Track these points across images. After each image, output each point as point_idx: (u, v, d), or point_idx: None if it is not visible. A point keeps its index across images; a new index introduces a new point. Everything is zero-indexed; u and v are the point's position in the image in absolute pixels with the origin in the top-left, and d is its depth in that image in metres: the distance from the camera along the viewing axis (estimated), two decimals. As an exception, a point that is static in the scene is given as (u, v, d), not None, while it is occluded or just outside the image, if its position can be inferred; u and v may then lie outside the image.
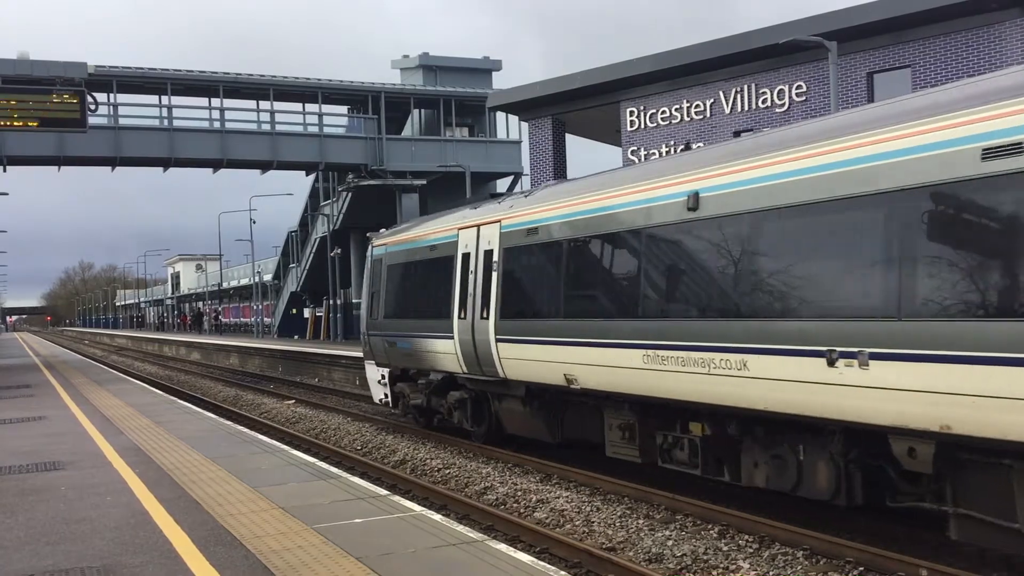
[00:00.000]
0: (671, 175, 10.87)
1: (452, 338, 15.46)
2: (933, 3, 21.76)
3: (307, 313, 58.68)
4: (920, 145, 7.85)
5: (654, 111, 28.95)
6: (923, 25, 22.40)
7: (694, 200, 10.30)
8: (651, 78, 28.52)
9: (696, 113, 27.89)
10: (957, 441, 7.58)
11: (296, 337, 56.60)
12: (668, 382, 10.62)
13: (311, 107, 43.42)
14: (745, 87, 26.57)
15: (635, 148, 29.35)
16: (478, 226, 15.08)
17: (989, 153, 7.26)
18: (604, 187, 12.16)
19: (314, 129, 43.35)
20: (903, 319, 7.84)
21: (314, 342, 49.25)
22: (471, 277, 15.05)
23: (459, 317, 15.23)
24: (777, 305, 9.26)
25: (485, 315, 14.42)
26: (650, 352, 10.81)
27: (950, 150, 7.59)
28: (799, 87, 25.35)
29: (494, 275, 14.31)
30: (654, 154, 28.14)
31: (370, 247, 20.19)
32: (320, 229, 53.28)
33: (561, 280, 12.69)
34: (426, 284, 17.04)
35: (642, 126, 29.32)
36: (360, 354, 21.91)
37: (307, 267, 56.93)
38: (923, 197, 7.77)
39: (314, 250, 54.94)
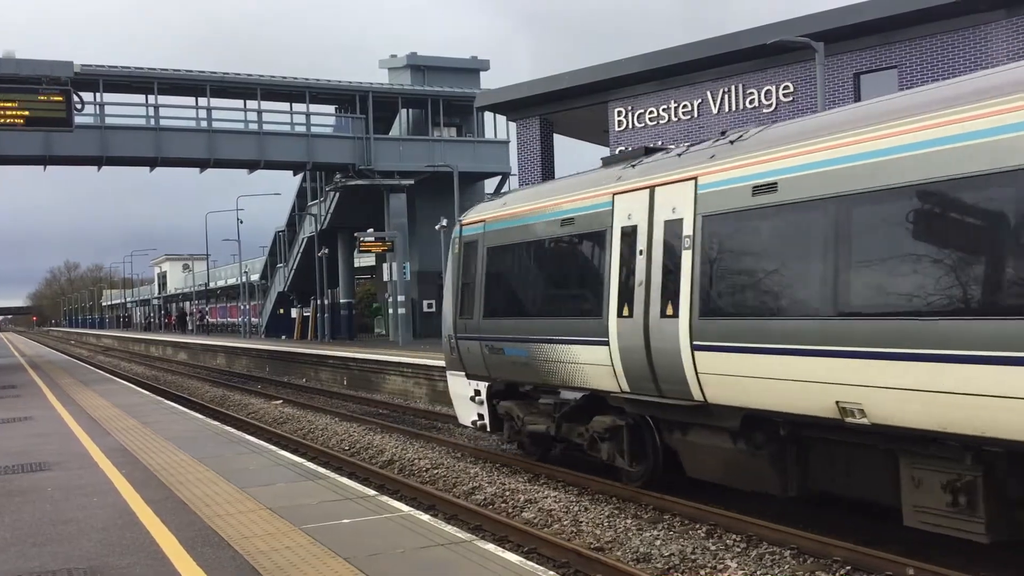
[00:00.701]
0: None
1: (606, 344, 11.46)
2: (920, 4, 21.86)
3: (294, 313, 58.52)
4: None
5: (642, 111, 28.99)
6: (910, 26, 22.50)
7: None
8: (639, 78, 28.56)
9: (684, 113, 27.95)
10: None
11: (283, 337, 56.44)
12: None
13: (299, 107, 43.33)
14: (733, 87, 26.64)
15: (623, 148, 29.38)
16: (651, 188, 10.98)
17: None
18: (931, 109, 8.02)
19: (301, 129, 43.26)
20: None
21: (301, 342, 49.11)
22: (640, 259, 11.01)
23: (619, 315, 11.27)
24: None
25: (670, 312, 10.40)
26: None
27: None
28: (786, 87, 25.43)
29: (686, 255, 10.26)
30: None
31: (457, 227, 15.79)
32: (307, 229, 53.18)
33: (836, 259, 8.53)
34: (555, 271, 13.30)
35: (630, 126, 29.36)
36: (350, 354, 21.77)
37: (294, 267, 56.79)
38: None
39: (301, 250, 54.81)
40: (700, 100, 27.48)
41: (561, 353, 12.50)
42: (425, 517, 9.08)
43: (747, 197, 9.59)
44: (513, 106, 33.69)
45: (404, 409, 23.79)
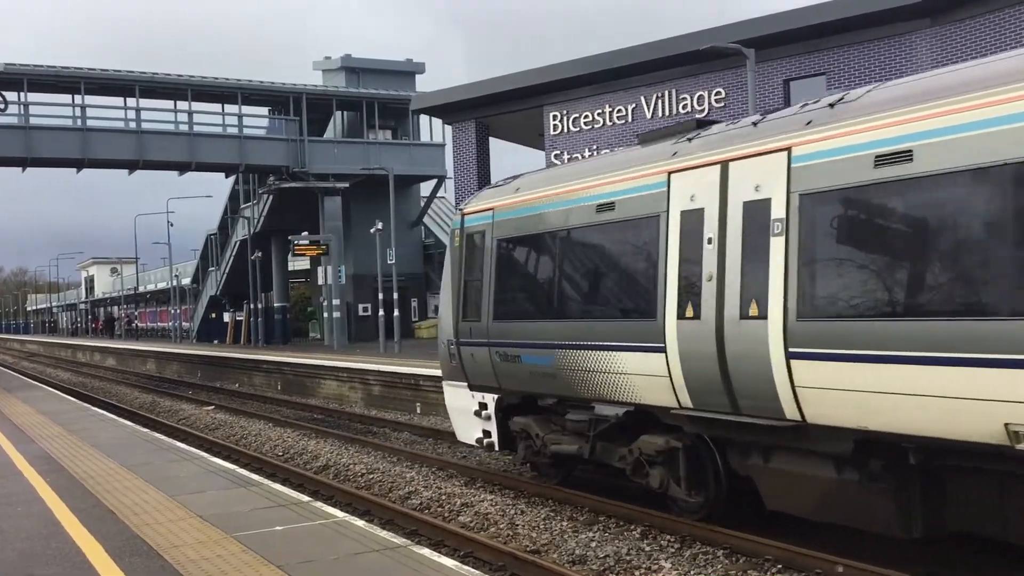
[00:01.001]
0: None
1: (661, 351, 9.73)
2: (847, 12, 22.38)
3: (227, 317, 57.62)
4: None
5: (577, 115, 29.16)
6: (838, 34, 23.00)
7: None
8: (574, 83, 28.72)
9: (618, 117, 28.18)
10: None
11: (216, 342, 55.52)
12: None
13: (230, 108, 42.69)
14: (666, 92, 26.94)
15: (558, 152, 29.52)
16: (723, 163, 9.18)
17: None
18: None
19: (234, 130, 42.61)
20: None
21: (235, 347, 48.35)
22: (708, 250, 9.24)
23: (680, 316, 9.53)
24: None
25: (754, 313, 8.69)
26: None
27: None
28: (718, 93, 25.79)
29: (777, 243, 8.49)
30: (577, 157, 28.31)
31: (457, 217, 13.84)
32: (240, 232, 52.41)
33: (1017, 240, 6.83)
34: (589, 265, 11.36)
35: (565, 130, 29.51)
36: (284, 359, 21.46)
37: (227, 270, 55.90)
38: None
39: (234, 253, 53.99)
40: (634, 105, 27.73)
41: (599, 361, 10.67)
42: (360, 523, 8.99)
43: (867, 169, 7.76)
44: (449, 109, 33.64)
45: (339, 414, 23.57)
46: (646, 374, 10.04)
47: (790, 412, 8.44)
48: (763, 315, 8.57)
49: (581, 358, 10.96)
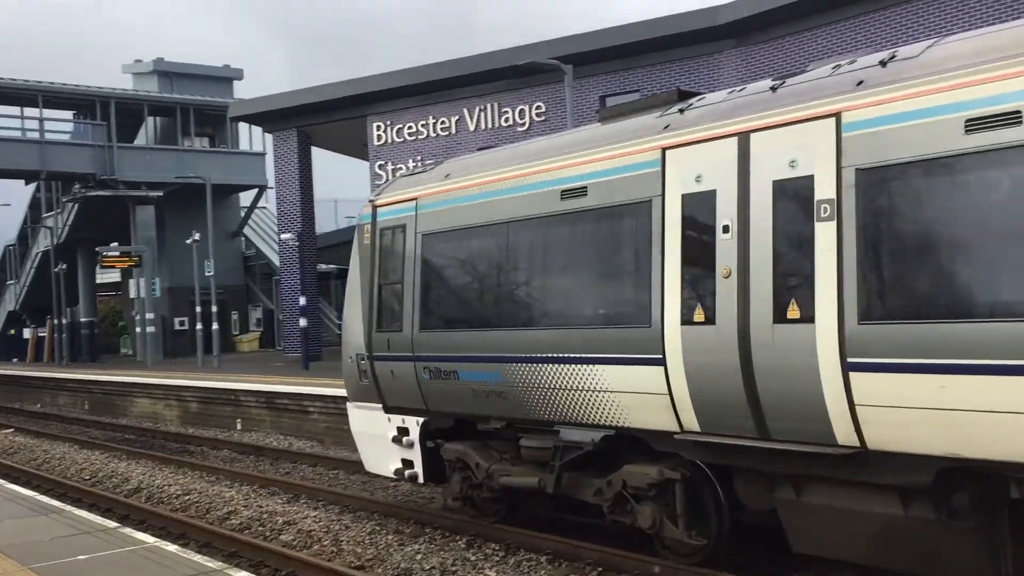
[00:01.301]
0: None
1: (658, 363, 8.15)
2: (656, 33, 23.41)
3: (27, 334, 53.98)
4: None
5: (401, 126, 29.08)
6: (649, 53, 23.98)
7: None
8: (398, 93, 28.64)
9: (442, 129, 28.29)
10: None
11: (15, 360, 51.90)
12: None
13: (30, 111, 40.17)
14: (488, 105, 27.27)
15: (382, 163, 29.35)
16: (742, 134, 7.66)
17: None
18: None
19: (35, 135, 40.11)
20: None
21: (36, 365, 45.41)
22: (724, 240, 7.70)
23: (685, 321, 7.98)
24: None
25: (795, 315, 7.20)
26: None
27: None
28: (538, 107, 26.33)
29: (825, 230, 7.00)
30: (401, 168, 28.22)
31: (367, 209, 11.87)
32: (42, 243, 49.27)
33: None
34: (554, 262, 9.38)
35: (389, 140, 29.37)
36: (92, 376, 20.29)
37: (27, 284, 52.42)
38: None
39: (35, 265, 50.70)
40: (457, 117, 27.92)
41: (567, 377, 8.97)
42: (172, 547, 8.60)
43: (955, 136, 6.36)
44: (269, 117, 32.83)
45: (154, 433, 22.53)
46: (635, 391, 8.39)
47: (844, 436, 6.92)
48: (807, 317, 7.06)
49: (542, 373, 9.21)
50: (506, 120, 26.93)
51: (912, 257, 6.67)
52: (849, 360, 6.79)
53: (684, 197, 8.04)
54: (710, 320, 7.74)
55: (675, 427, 8.14)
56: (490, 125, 27.21)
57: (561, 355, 9.02)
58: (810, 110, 7.21)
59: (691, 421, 8.00)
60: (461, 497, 10.81)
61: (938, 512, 6.75)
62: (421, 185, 11.08)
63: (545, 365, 9.18)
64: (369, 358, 11.38)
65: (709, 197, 7.84)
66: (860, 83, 7.05)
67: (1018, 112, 6.03)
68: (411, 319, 10.82)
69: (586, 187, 8.90)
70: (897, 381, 6.57)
